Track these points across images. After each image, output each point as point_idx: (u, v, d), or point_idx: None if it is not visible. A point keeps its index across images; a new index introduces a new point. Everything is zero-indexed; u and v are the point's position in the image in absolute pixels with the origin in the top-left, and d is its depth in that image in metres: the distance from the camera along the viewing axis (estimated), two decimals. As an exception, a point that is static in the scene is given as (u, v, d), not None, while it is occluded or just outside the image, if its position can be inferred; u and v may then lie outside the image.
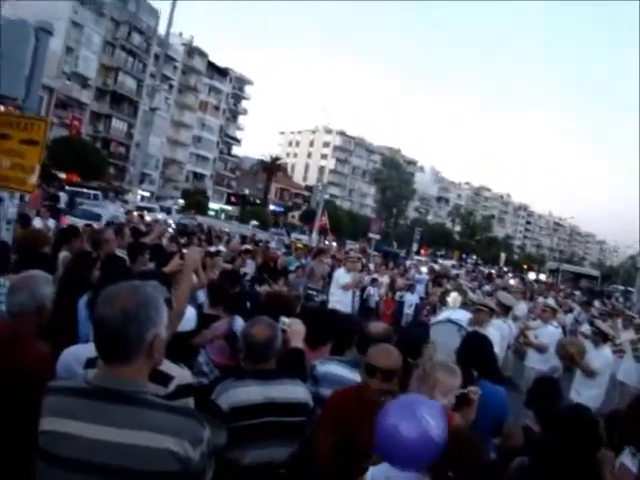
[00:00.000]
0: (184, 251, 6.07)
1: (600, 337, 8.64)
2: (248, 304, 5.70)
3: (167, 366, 2.81)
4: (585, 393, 7.83)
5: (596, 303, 21.08)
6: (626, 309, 18.31)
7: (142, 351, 1.93)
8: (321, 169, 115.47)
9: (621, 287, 64.61)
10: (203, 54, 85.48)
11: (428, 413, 2.83)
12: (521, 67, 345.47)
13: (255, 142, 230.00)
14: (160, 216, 31.14)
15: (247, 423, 3.25)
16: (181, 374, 3.00)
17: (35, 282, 3.28)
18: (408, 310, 16.27)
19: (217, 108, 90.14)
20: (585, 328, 11.13)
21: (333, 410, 3.59)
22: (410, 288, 16.93)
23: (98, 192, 41.24)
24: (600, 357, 8.29)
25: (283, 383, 3.45)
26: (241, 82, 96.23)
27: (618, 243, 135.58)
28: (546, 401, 4.28)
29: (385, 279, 16.50)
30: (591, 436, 3.19)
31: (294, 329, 4.18)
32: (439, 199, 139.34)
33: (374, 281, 15.77)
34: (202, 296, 6.62)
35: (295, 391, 3.47)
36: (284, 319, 4.24)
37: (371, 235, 41.43)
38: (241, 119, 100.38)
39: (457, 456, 2.73)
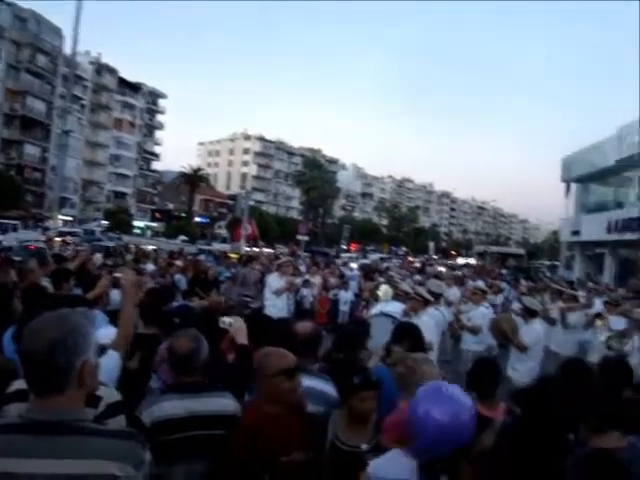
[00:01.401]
0: (115, 274, 5.93)
1: (528, 312, 8.92)
2: (177, 319, 5.64)
3: None
4: (521, 367, 8.05)
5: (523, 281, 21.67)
6: (552, 282, 18.84)
7: (73, 380, 1.91)
8: (244, 176, 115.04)
9: (547, 262, 66.53)
10: (113, 70, 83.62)
11: (456, 394, 3.09)
12: (439, 68, 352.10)
13: (175, 155, 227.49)
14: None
15: (171, 438, 3.22)
16: (108, 393, 2.99)
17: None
18: (343, 307, 16.40)
19: (132, 124, 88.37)
20: (515, 306, 11.42)
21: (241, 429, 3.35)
22: (344, 285, 17.07)
23: (17, 221, 40.03)
24: (531, 331, 8.54)
25: (208, 396, 3.42)
26: (154, 96, 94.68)
27: (540, 221, 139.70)
28: (486, 381, 4.39)
29: (317, 279, 16.58)
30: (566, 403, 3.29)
31: (236, 326, 4.24)
32: (364, 195, 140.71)
33: (306, 282, 15.83)
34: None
35: (221, 403, 3.42)
36: (225, 318, 4.33)
37: (299, 237, 41.75)
38: (158, 133, 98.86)
39: None
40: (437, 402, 3.02)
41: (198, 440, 3.27)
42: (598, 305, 11.99)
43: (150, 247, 27.46)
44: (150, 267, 14.86)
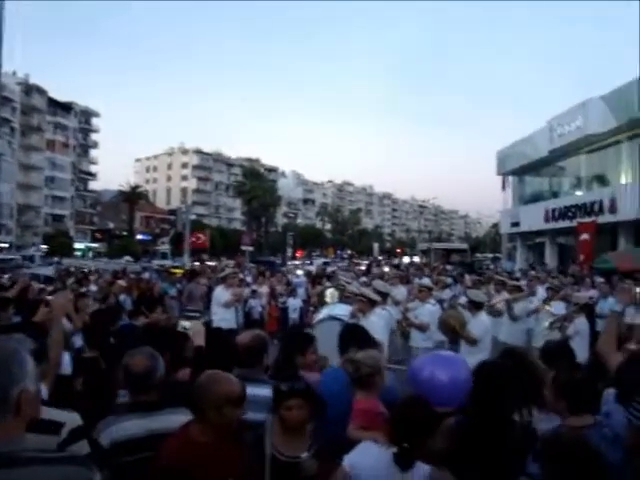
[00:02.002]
0: (49, 298, 5.83)
1: (474, 305, 9.06)
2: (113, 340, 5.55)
3: (53, 413, 2.74)
4: (472, 360, 8.05)
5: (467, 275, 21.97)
6: (496, 274, 19.16)
7: (10, 409, 1.84)
8: (183, 190, 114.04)
9: (490, 255, 67.77)
10: (42, 91, 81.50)
11: (455, 361, 4.13)
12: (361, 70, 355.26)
13: (112, 173, 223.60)
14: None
15: (132, 458, 3.16)
16: (70, 418, 2.91)
17: None
18: (293, 315, 16.38)
19: (66, 145, 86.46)
20: (462, 300, 11.56)
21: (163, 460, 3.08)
22: (292, 293, 17.06)
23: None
24: (478, 324, 8.68)
25: (167, 413, 3.38)
26: (87, 115, 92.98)
27: (480, 215, 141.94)
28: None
29: (264, 289, 16.52)
30: (503, 387, 3.44)
31: (195, 329, 4.54)
32: (305, 201, 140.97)
33: (254, 292, 15.75)
34: (78, 340, 6.39)
35: (179, 420, 3.33)
36: (184, 323, 4.56)
37: (244, 248, 41.56)
38: (93, 152, 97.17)
39: (411, 424, 3.20)
40: (439, 365, 4.09)
41: None
42: (541, 292, 12.25)
43: (92, 267, 26.94)
44: (93, 289, 14.61)
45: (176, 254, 51.52)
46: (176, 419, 3.34)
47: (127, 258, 57.25)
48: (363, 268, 31.79)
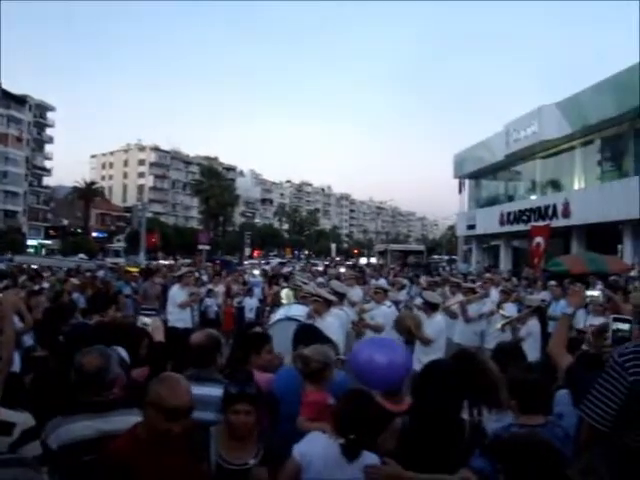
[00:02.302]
0: (-1, 295, 5.70)
1: (430, 306, 9.16)
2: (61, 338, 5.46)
3: (5, 414, 2.70)
4: (425, 360, 8.17)
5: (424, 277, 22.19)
6: (451, 276, 19.38)
7: None
8: (140, 188, 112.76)
9: (446, 257, 68.59)
10: (-6, 84, 79.80)
11: (393, 346, 4.32)
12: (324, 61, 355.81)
13: (67, 169, 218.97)
14: None
15: (82, 460, 3.07)
16: (22, 419, 2.88)
17: None
18: (249, 314, 16.30)
19: (19, 139, 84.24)
20: (418, 301, 11.64)
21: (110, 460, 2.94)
22: (248, 292, 16.98)
23: None
24: (433, 325, 8.78)
25: (119, 414, 3.30)
26: (42, 109, 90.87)
27: (437, 217, 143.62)
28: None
29: (220, 288, 16.41)
30: (448, 387, 3.47)
31: (154, 325, 4.57)
32: (263, 201, 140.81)
33: (210, 292, 15.64)
34: (29, 339, 6.29)
35: (132, 422, 3.21)
36: (143, 319, 4.61)
37: (201, 247, 41.25)
38: (48, 147, 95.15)
39: (355, 417, 3.31)
40: (377, 348, 4.31)
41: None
42: (494, 295, 12.40)
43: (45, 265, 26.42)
44: (46, 286, 14.35)
45: (131, 252, 50.99)
46: (129, 420, 3.24)
47: (81, 255, 56.42)
48: (320, 269, 31.87)
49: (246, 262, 51.98)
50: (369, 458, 3.31)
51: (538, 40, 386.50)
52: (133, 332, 5.19)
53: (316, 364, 4.08)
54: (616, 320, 3.70)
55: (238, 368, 4.51)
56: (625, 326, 3.52)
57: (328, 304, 7.91)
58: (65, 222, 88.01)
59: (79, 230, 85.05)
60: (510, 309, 11.20)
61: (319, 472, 3.30)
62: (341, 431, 3.32)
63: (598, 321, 6.98)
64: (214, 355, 4.00)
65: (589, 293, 4.26)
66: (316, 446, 3.37)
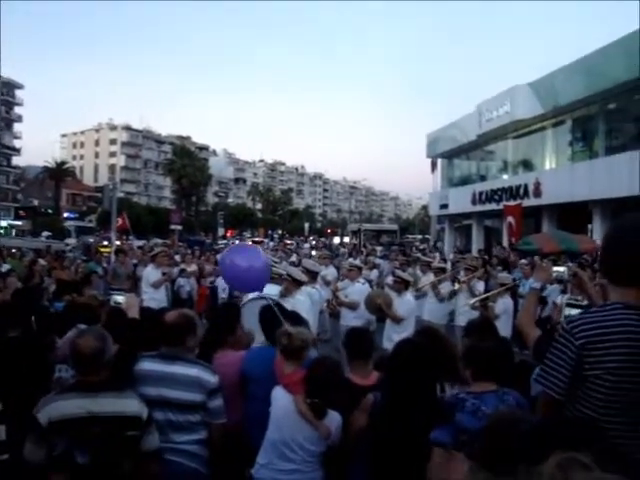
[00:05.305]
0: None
1: (402, 285, 9.27)
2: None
3: None
4: (396, 338, 8.23)
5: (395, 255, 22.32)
6: (423, 255, 19.53)
7: None
8: (112, 167, 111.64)
9: (419, 236, 68.94)
10: (-40, 60, 78.08)
11: (252, 251, 5.61)
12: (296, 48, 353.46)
13: (37, 149, 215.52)
14: None
15: (70, 437, 3.14)
16: None
17: None
18: (223, 294, 16.24)
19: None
20: (389, 280, 11.75)
21: None
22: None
23: None
24: (404, 303, 8.90)
25: (110, 396, 3.34)
26: (10, 87, 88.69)
27: (410, 196, 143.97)
28: (355, 349, 4.52)
29: (193, 267, 16.36)
30: (419, 365, 3.56)
31: (128, 302, 4.82)
32: (237, 180, 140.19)
33: (183, 272, 15.59)
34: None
35: (124, 404, 3.34)
36: (117, 297, 4.69)
37: (173, 226, 41.03)
38: (17, 127, 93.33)
39: (319, 383, 3.79)
40: (237, 254, 5.47)
41: (99, 441, 3.19)
42: (463, 274, 12.56)
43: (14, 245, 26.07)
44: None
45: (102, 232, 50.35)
46: (119, 402, 3.33)
47: (46, 233, 55.53)
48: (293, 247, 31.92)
49: (220, 242, 51.81)
50: (334, 418, 3.83)
51: (512, 19, 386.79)
52: (110, 310, 5.21)
53: (299, 342, 4.18)
54: (569, 305, 3.79)
55: (212, 347, 4.59)
56: (576, 312, 3.59)
57: (299, 283, 7.95)
58: (35, 202, 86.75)
59: (50, 211, 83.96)
60: (477, 285, 11.38)
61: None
62: (309, 394, 3.81)
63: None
64: (184, 335, 4.02)
65: (555, 269, 4.33)
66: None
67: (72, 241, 40.71)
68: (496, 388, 3.47)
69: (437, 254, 24.42)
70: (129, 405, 3.36)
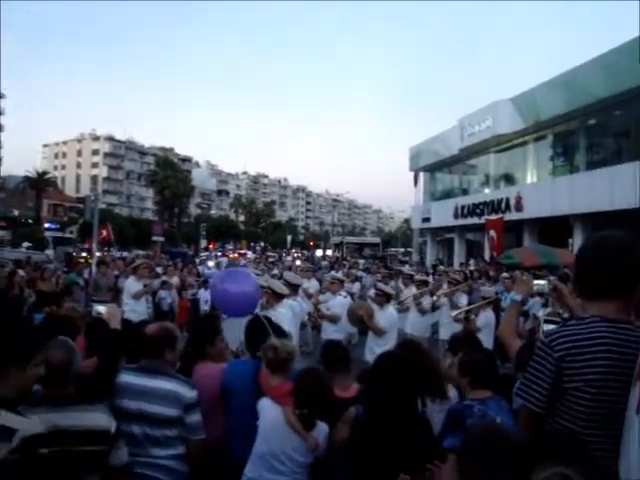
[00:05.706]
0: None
1: (383, 298, 9.26)
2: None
3: (6, 418, 2.62)
4: (378, 350, 8.24)
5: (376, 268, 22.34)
6: (405, 268, 19.56)
7: None
8: (94, 178, 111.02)
9: (401, 249, 69.17)
10: (-59, 70, 77.64)
11: (243, 277, 5.50)
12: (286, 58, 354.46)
13: (18, 159, 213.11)
14: None
15: (36, 453, 2.97)
16: (26, 424, 2.76)
17: None
18: (205, 307, 16.18)
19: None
20: (371, 292, 11.75)
21: None
22: (203, 284, 16.86)
23: None
24: (385, 316, 8.90)
25: (77, 410, 3.24)
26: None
27: (393, 210, 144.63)
28: (334, 362, 4.54)
29: (175, 280, 16.26)
30: (401, 378, 3.56)
31: (110, 313, 4.67)
32: (219, 192, 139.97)
33: (164, 284, 15.49)
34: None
35: (91, 417, 3.24)
36: (98, 307, 4.62)
37: (155, 238, 40.89)
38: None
39: (307, 394, 3.83)
40: (230, 281, 5.34)
41: (65, 456, 3.09)
42: (446, 287, 12.57)
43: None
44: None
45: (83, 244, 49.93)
46: (86, 416, 3.23)
47: (26, 244, 55.09)
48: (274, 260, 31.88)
49: (202, 254, 51.65)
50: (322, 429, 3.88)
51: (495, 35, 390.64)
52: (91, 321, 5.15)
53: (284, 354, 4.19)
54: (547, 322, 3.83)
55: (189, 363, 4.56)
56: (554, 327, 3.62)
57: (280, 296, 7.92)
58: (16, 212, 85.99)
59: (30, 221, 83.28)
60: (459, 298, 11.40)
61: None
62: (298, 405, 3.84)
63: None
64: (163, 347, 3.98)
65: (536, 282, 4.37)
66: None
67: (50, 252, 40.22)
68: (492, 395, 3.65)
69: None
70: (97, 419, 3.26)
